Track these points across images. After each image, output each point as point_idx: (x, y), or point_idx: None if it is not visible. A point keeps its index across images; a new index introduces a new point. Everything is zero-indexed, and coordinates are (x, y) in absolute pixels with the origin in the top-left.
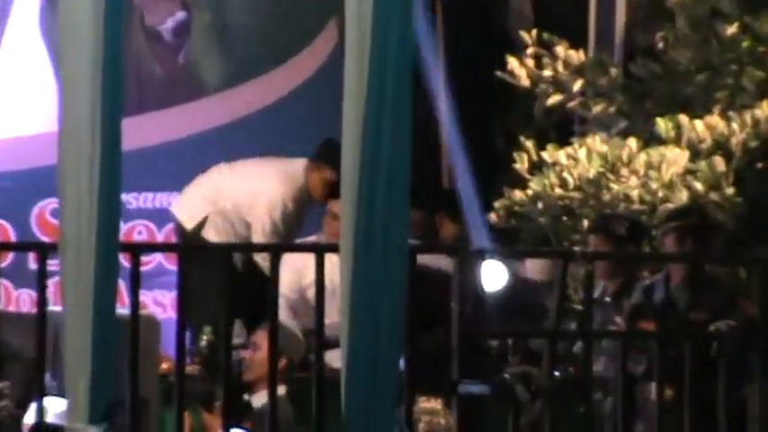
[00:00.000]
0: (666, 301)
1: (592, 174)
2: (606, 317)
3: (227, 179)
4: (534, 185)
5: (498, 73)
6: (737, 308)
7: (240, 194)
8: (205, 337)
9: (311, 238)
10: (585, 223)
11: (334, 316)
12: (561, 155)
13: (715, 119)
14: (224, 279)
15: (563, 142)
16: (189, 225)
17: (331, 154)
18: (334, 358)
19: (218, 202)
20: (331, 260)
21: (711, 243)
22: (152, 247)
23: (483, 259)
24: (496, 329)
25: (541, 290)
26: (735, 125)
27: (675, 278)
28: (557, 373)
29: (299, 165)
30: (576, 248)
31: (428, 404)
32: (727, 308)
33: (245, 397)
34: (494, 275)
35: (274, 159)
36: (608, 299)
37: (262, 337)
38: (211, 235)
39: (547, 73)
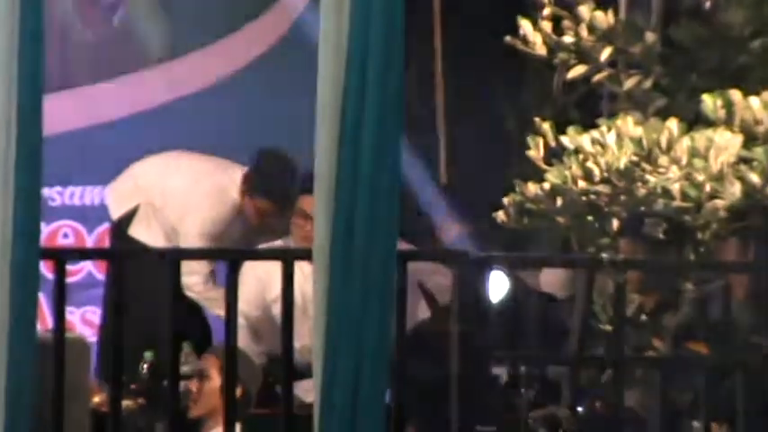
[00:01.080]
0: (726, 319)
1: (623, 163)
2: (642, 339)
3: (163, 173)
4: (552, 177)
5: (508, 39)
6: None
7: (173, 198)
8: (146, 365)
9: (277, 243)
10: (615, 224)
11: (306, 338)
12: (585, 140)
13: None
14: (169, 292)
15: (588, 125)
16: (116, 215)
17: (264, 181)
18: (306, 390)
19: (150, 197)
20: (302, 269)
21: None
22: (81, 254)
23: (488, 268)
24: (505, 354)
25: (561, 307)
26: None
27: (737, 293)
28: (579, 409)
29: (236, 176)
30: (604, 255)
31: None
32: None
33: None
34: (502, 288)
35: (215, 161)
36: (644, 317)
37: (211, 364)
38: (141, 232)
39: (568, 39)
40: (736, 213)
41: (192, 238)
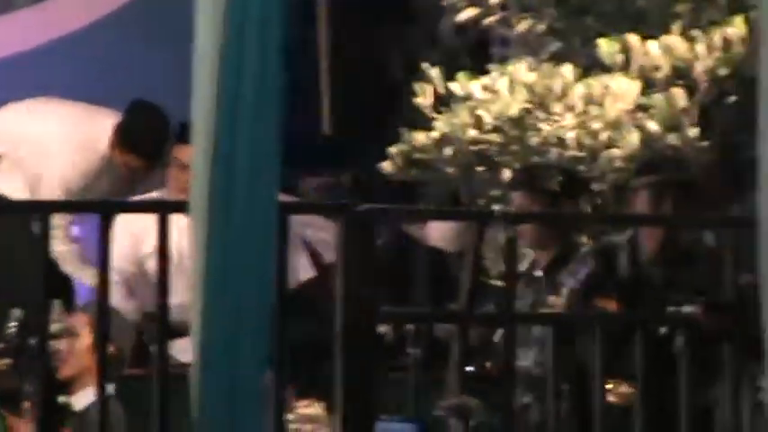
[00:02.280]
0: (635, 272)
1: (515, 110)
2: (537, 296)
3: (27, 120)
4: (441, 126)
5: None
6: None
7: (36, 146)
8: (13, 323)
9: (152, 195)
10: (507, 175)
11: (182, 294)
12: (476, 87)
13: (674, 39)
14: (41, 247)
15: (478, 70)
16: None
17: (133, 135)
18: (182, 349)
19: (12, 146)
20: (178, 223)
21: (693, 204)
22: None
23: (375, 222)
24: (390, 312)
25: (450, 262)
26: (699, 48)
27: (648, 247)
28: (469, 369)
29: (108, 125)
30: (496, 208)
31: (308, 410)
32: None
33: (62, 398)
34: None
35: (86, 109)
36: (539, 273)
37: (81, 323)
38: (2, 183)
39: None
40: (647, 165)
41: (55, 189)
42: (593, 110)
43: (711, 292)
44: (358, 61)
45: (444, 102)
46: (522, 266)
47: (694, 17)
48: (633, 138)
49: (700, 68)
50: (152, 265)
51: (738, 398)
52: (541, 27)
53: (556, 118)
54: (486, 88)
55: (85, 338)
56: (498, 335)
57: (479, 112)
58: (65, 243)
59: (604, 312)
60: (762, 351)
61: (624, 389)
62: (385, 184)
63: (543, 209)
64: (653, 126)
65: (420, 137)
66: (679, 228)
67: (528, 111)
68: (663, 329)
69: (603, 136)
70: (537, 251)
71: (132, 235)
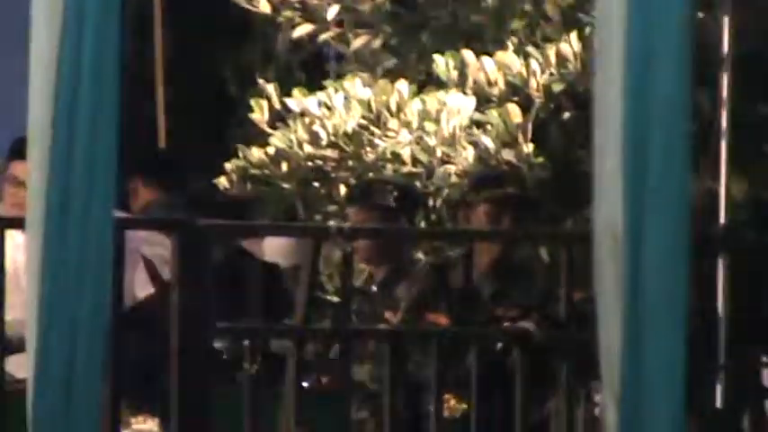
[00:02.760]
0: (467, 288)
1: (351, 126)
2: (372, 311)
3: None
4: (277, 141)
5: None
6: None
7: None
8: None
9: None
10: (343, 190)
11: (19, 310)
12: (312, 102)
13: (509, 56)
14: None
15: (314, 86)
16: None
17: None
18: (19, 365)
19: None
20: (14, 238)
21: (528, 219)
22: None
23: (212, 237)
24: (226, 327)
25: (286, 277)
26: (534, 64)
27: (481, 261)
28: (305, 384)
29: None
30: (332, 223)
31: (143, 425)
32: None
33: None
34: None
35: None
36: (374, 288)
37: None
38: None
39: None
40: (489, 179)
41: None
42: (429, 126)
43: (546, 307)
44: (194, 77)
45: (280, 117)
46: (358, 282)
47: (529, 33)
48: (468, 154)
49: (534, 84)
50: None
51: (573, 412)
52: (377, 43)
53: (391, 134)
54: (321, 104)
55: None
56: (335, 350)
57: (315, 127)
58: None
59: (441, 328)
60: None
61: (456, 403)
62: (222, 199)
63: (379, 224)
64: (488, 142)
65: (256, 152)
66: (514, 243)
67: (364, 127)
68: (499, 344)
69: (439, 152)
70: (372, 266)
71: None
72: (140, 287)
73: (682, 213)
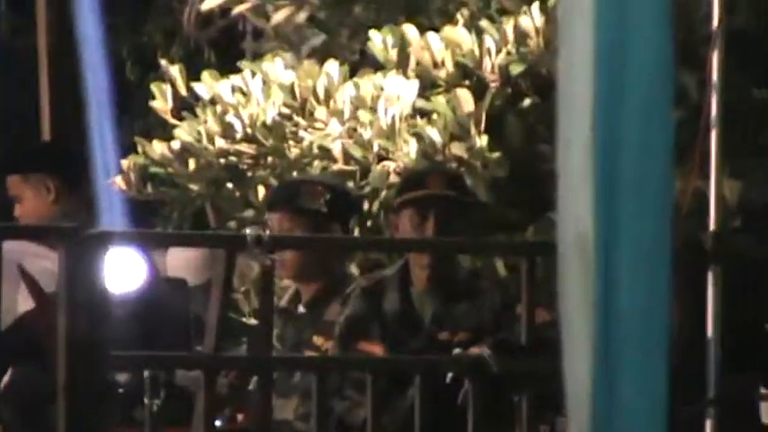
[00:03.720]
0: (404, 310)
1: (271, 116)
2: (299, 336)
3: None
4: (183, 134)
5: None
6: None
7: None
8: None
9: None
10: (262, 192)
11: None
12: (224, 87)
13: (459, 31)
14: None
15: (227, 69)
16: None
17: None
18: None
19: None
20: None
21: (471, 223)
22: None
23: (105, 247)
24: (123, 355)
25: (194, 295)
26: (489, 41)
27: (419, 278)
28: (218, 423)
29: None
30: (248, 231)
31: None
32: (499, 320)
33: None
34: (125, 274)
35: None
36: (301, 309)
37: None
38: None
39: None
40: (416, 177)
41: None
42: (364, 115)
43: (501, 330)
44: (85, 59)
45: (187, 106)
46: (282, 301)
47: (483, 5)
48: (411, 149)
49: (489, 66)
50: None
51: None
52: (301, 17)
53: (319, 125)
54: (236, 90)
55: None
56: (253, 382)
57: (229, 117)
58: None
59: (378, 358)
60: (562, 400)
61: None
62: (119, 203)
63: (306, 233)
64: (434, 134)
65: (158, 147)
66: (458, 255)
67: (286, 117)
68: (448, 375)
69: (376, 146)
70: (299, 283)
71: None
72: (21, 302)
73: (663, 218)
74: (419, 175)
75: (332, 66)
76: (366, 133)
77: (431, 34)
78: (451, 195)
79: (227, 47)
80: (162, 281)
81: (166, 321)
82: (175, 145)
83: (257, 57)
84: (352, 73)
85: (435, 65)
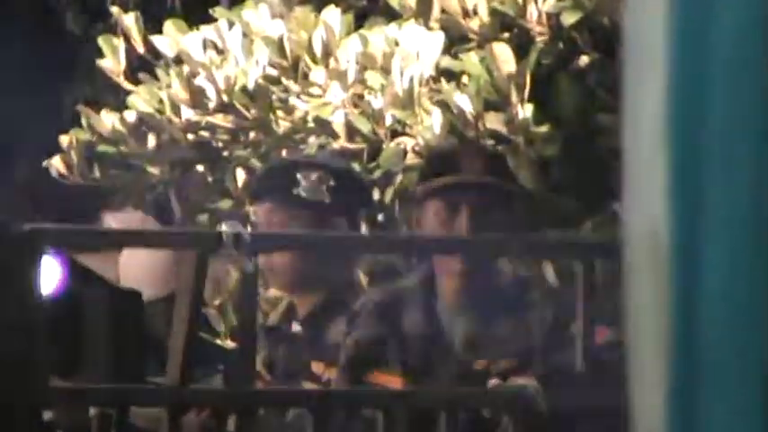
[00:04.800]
0: (429, 330)
1: (254, 80)
2: (293, 362)
3: None
4: (139, 102)
5: None
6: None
7: None
8: None
9: None
10: (242, 177)
11: None
12: (193, 42)
13: None
14: None
15: (197, 17)
16: None
17: None
18: None
19: None
20: None
21: (513, 218)
22: None
23: (38, 249)
24: (63, 388)
25: (154, 312)
26: None
27: (447, 288)
28: None
29: None
30: (225, 228)
31: None
32: (549, 342)
33: None
34: (64, 282)
35: None
36: (296, 327)
37: None
38: None
39: None
40: (441, 160)
41: None
42: (374, 78)
43: (550, 355)
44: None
45: (145, 66)
46: (270, 318)
47: None
48: (434, 120)
49: (535, 14)
50: None
51: None
52: None
53: (316, 91)
54: (208, 45)
55: None
56: (232, 423)
57: (199, 81)
58: None
59: (395, 391)
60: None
61: None
62: (56, 192)
63: (301, 229)
64: (463, 102)
65: (108, 120)
66: (498, 258)
67: (273, 80)
68: (484, 412)
69: (389, 118)
70: (292, 294)
71: None
72: None
73: (759, 210)
74: (448, 156)
75: (332, 14)
76: (376, 101)
77: None
78: (490, 182)
79: None
80: (112, 292)
81: (117, 344)
82: (130, 116)
83: (236, 2)
84: (359, 23)
85: (466, 13)
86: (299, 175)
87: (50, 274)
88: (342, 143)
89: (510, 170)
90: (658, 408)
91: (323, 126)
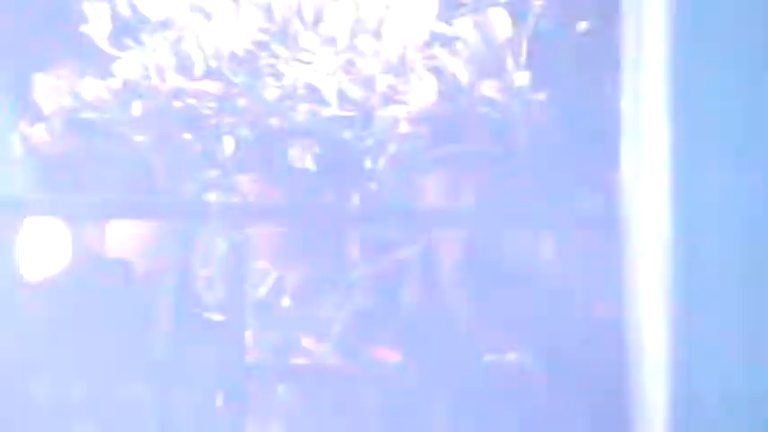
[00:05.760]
0: (429, 304)
1: (242, 45)
2: (283, 337)
3: None
4: (125, 69)
5: None
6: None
7: None
8: None
9: None
10: (230, 145)
11: None
12: (179, 5)
13: None
14: None
15: None
16: None
17: None
18: None
19: None
20: None
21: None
22: None
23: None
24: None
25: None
26: None
27: (449, 261)
28: None
29: None
30: (213, 198)
31: None
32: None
33: None
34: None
35: None
36: (286, 301)
37: None
38: None
39: None
40: (445, 128)
41: None
42: (366, 43)
43: (548, 329)
44: None
45: (130, 30)
46: (260, 292)
47: None
48: (428, 87)
49: None
50: None
51: None
52: None
53: (306, 56)
54: (195, 8)
55: None
56: (220, 399)
57: (185, 47)
58: None
59: (387, 366)
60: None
61: None
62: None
63: (288, 200)
64: (458, 68)
65: (92, 86)
66: (495, 228)
67: (262, 44)
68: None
69: (382, 84)
70: (282, 267)
71: None
72: None
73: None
74: (455, 124)
75: None
76: (368, 68)
77: None
78: (492, 151)
79: None
80: (98, 263)
81: (105, 318)
82: (115, 83)
83: None
84: None
85: None
86: (283, 144)
87: (33, 246)
88: (333, 110)
89: (508, 139)
90: (661, 387)
91: (313, 93)
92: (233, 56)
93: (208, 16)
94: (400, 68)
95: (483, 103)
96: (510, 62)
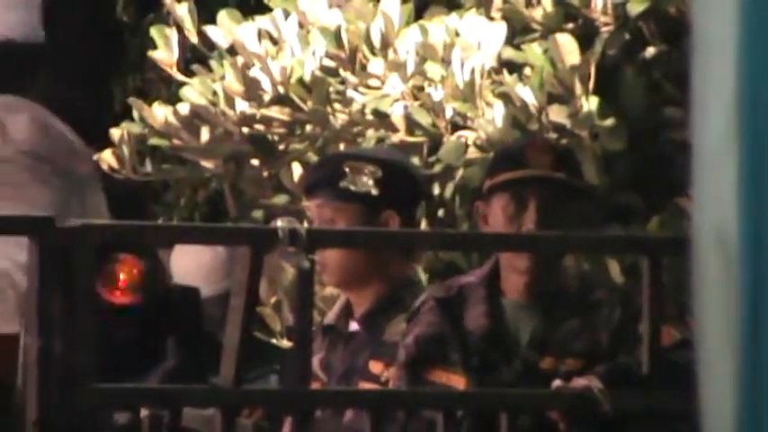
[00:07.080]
0: (493, 328)
1: (310, 71)
2: (352, 361)
3: None
4: (193, 95)
5: None
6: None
7: None
8: None
9: None
10: (297, 171)
11: None
12: (248, 32)
13: None
14: None
15: (251, 7)
16: None
17: None
18: None
19: None
20: None
21: (581, 214)
22: None
23: (88, 244)
24: (114, 388)
25: (210, 309)
26: None
27: (513, 286)
28: None
29: None
30: (280, 224)
31: None
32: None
33: None
34: (117, 280)
35: None
36: (354, 326)
37: None
38: None
39: None
40: (510, 154)
41: None
42: (434, 70)
43: (617, 355)
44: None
45: (199, 57)
46: (327, 317)
47: None
48: (496, 113)
49: (600, 4)
50: None
51: None
52: None
53: (374, 82)
54: (263, 35)
55: None
56: (287, 424)
57: (253, 72)
58: None
59: (457, 392)
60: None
61: None
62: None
63: (357, 225)
64: (526, 95)
65: (160, 112)
66: (563, 254)
67: (330, 71)
68: (548, 414)
69: (450, 111)
70: (349, 292)
71: None
72: None
73: None
74: (518, 150)
75: (391, 3)
76: (436, 93)
77: None
78: (558, 177)
79: None
80: (167, 289)
81: (172, 343)
82: (183, 109)
83: None
84: (419, 13)
85: (529, 3)
86: (351, 170)
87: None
88: (401, 136)
89: (576, 165)
90: (728, 410)
91: (381, 119)
92: (301, 82)
93: (276, 42)
94: (468, 94)
95: (551, 128)
96: (578, 87)
